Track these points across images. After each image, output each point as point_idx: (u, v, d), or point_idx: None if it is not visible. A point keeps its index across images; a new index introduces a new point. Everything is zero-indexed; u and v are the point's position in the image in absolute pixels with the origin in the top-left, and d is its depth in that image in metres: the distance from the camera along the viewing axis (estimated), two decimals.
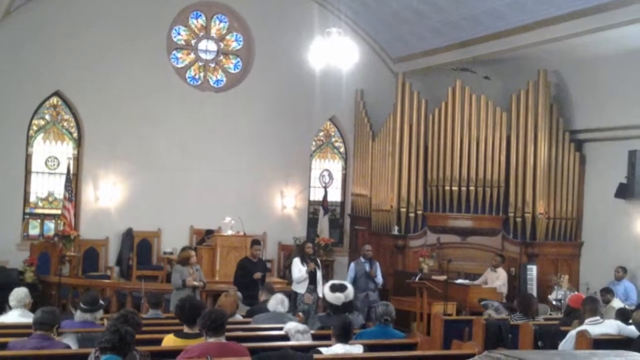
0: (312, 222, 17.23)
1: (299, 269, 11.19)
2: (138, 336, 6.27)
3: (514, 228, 14.23)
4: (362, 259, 12.18)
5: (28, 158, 15.16)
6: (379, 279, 12.10)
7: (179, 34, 16.49)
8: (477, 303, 11.95)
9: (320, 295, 11.09)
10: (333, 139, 17.91)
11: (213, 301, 11.21)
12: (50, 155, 15.38)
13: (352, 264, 12.34)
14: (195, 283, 10.51)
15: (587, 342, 7.22)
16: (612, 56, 12.72)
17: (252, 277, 10.85)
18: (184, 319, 6.32)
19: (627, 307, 10.26)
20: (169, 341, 6.22)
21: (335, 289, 7.70)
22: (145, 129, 15.56)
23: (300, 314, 9.80)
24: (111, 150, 15.40)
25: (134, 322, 6.00)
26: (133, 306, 12.36)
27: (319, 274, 11.32)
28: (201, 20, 16.69)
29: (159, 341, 6.31)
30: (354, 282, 11.93)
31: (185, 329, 6.29)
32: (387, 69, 17.45)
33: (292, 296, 11.39)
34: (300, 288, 11.15)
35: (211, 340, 5.67)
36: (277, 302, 8.29)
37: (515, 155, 14.29)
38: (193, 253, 10.79)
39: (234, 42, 16.98)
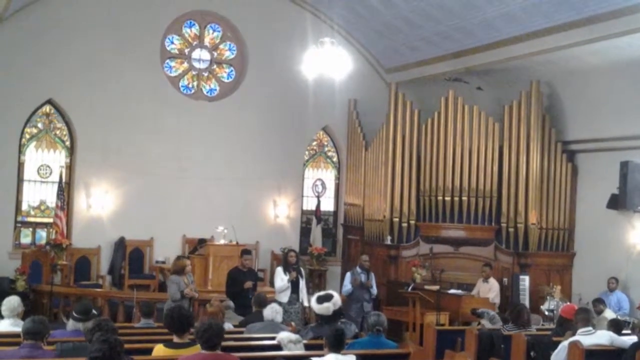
0: (305, 232, 17.23)
1: (281, 278, 11.13)
2: (131, 346, 6.27)
3: (506, 238, 14.25)
4: (358, 269, 12.21)
5: (20, 166, 15.11)
6: (374, 288, 12.15)
7: (172, 42, 16.50)
8: (470, 313, 11.96)
9: (305, 304, 11.11)
10: (326, 149, 17.93)
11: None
12: (43, 163, 15.34)
13: (348, 274, 12.34)
14: (195, 294, 10.34)
15: (580, 352, 7.22)
16: (604, 67, 12.78)
17: (242, 286, 10.80)
18: (173, 328, 6.28)
19: (619, 317, 10.27)
20: (159, 351, 6.18)
21: (322, 300, 7.65)
22: (138, 138, 15.55)
23: (293, 323, 9.77)
24: (104, 159, 15.37)
25: (109, 328, 5.97)
26: (125, 315, 12.34)
27: (301, 283, 11.27)
28: (195, 30, 16.71)
29: (151, 350, 6.28)
30: (350, 292, 12.00)
31: (175, 339, 6.25)
32: (380, 79, 17.50)
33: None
34: (283, 297, 11.08)
35: (204, 351, 5.64)
36: (273, 312, 8.26)
37: (508, 165, 14.32)
38: (188, 262, 10.68)
39: (228, 52, 17.00)
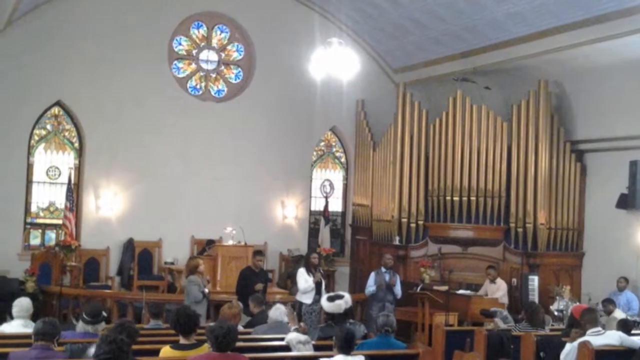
0: (313, 232, 17.23)
1: (305, 279, 11.19)
2: (140, 346, 6.29)
3: (515, 238, 14.22)
4: (382, 269, 12.09)
5: (29, 168, 15.16)
6: (398, 288, 11.98)
7: (180, 44, 16.53)
8: (479, 314, 11.95)
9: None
10: (334, 149, 17.93)
11: (215, 311, 11.19)
12: (52, 165, 15.39)
13: (373, 274, 12.14)
14: (210, 287, 10.34)
15: (589, 353, 7.19)
16: (613, 66, 12.74)
17: (253, 287, 10.81)
18: (180, 329, 6.29)
19: (629, 317, 10.23)
20: (166, 353, 6.18)
21: (333, 298, 7.70)
22: (146, 139, 15.58)
23: (302, 324, 9.77)
24: (112, 160, 15.41)
25: (131, 330, 5.99)
26: (134, 316, 12.35)
27: (324, 284, 11.36)
28: (202, 31, 16.73)
29: (160, 351, 6.29)
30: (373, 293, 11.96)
31: (182, 340, 6.26)
32: (388, 79, 17.49)
33: (297, 306, 11.36)
34: (307, 298, 11.14)
35: (214, 352, 5.64)
36: (281, 312, 8.26)
37: (516, 165, 14.29)
38: (201, 261, 10.72)
39: (235, 52, 17.02)
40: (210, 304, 11.46)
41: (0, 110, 14.52)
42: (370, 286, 12.00)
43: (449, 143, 14.86)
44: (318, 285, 11.16)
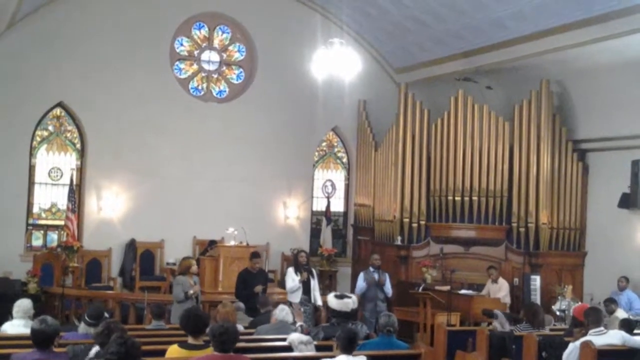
0: (315, 233, 17.23)
1: (292, 278, 11.20)
2: (142, 347, 6.27)
3: (517, 238, 14.21)
4: (371, 269, 12.19)
5: (31, 169, 15.17)
6: (388, 287, 12.10)
7: (181, 44, 16.54)
8: (481, 314, 11.93)
9: (318, 303, 11.13)
10: (336, 150, 17.92)
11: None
12: (54, 166, 15.39)
13: (362, 274, 12.33)
14: (196, 289, 10.23)
15: (592, 353, 7.18)
16: (615, 66, 12.72)
17: (252, 289, 10.81)
18: (189, 329, 6.29)
19: (630, 317, 10.21)
20: (173, 352, 6.19)
21: (342, 296, 7.75)
22: (148, 140, 15.59)
23: (304, 324, 9.76)
24: (114, 161, 15.41)
25: (118, 329, 5.97)
26: (136, 317, 12.37)
27: (312, 283, 11.31)
28: (204, 31, 16.73)
29: (162, 352, 6.29)
30: (364, 292, 11.99)
31: (190, 340, 6.26)
32: (390, 79, 17.48)
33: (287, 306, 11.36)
34: (294, 297, 11.14)
35: (217, 352, 5.64)
36: (286, 313, 8.26)
37: (518, 165, 14.28)
38: (194, 262, 10.70)
39: (237, 53, 17.02)
40: (211, 305, 11.43)
41: (2, 112, 14.54)
42: (359, 285, 12.07)
43: (451, 143, 14.85)
44: (306, 284, 11.15)
